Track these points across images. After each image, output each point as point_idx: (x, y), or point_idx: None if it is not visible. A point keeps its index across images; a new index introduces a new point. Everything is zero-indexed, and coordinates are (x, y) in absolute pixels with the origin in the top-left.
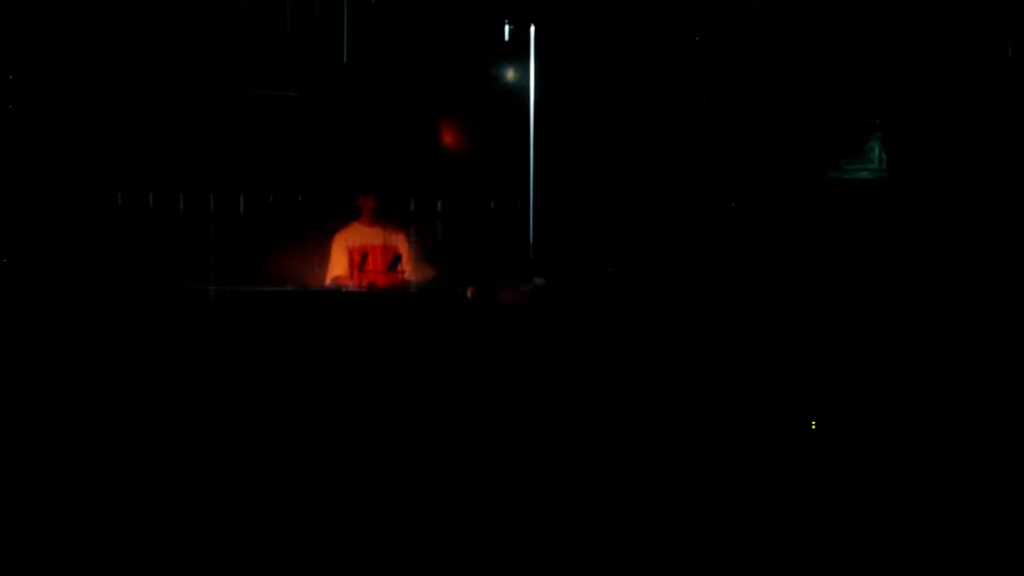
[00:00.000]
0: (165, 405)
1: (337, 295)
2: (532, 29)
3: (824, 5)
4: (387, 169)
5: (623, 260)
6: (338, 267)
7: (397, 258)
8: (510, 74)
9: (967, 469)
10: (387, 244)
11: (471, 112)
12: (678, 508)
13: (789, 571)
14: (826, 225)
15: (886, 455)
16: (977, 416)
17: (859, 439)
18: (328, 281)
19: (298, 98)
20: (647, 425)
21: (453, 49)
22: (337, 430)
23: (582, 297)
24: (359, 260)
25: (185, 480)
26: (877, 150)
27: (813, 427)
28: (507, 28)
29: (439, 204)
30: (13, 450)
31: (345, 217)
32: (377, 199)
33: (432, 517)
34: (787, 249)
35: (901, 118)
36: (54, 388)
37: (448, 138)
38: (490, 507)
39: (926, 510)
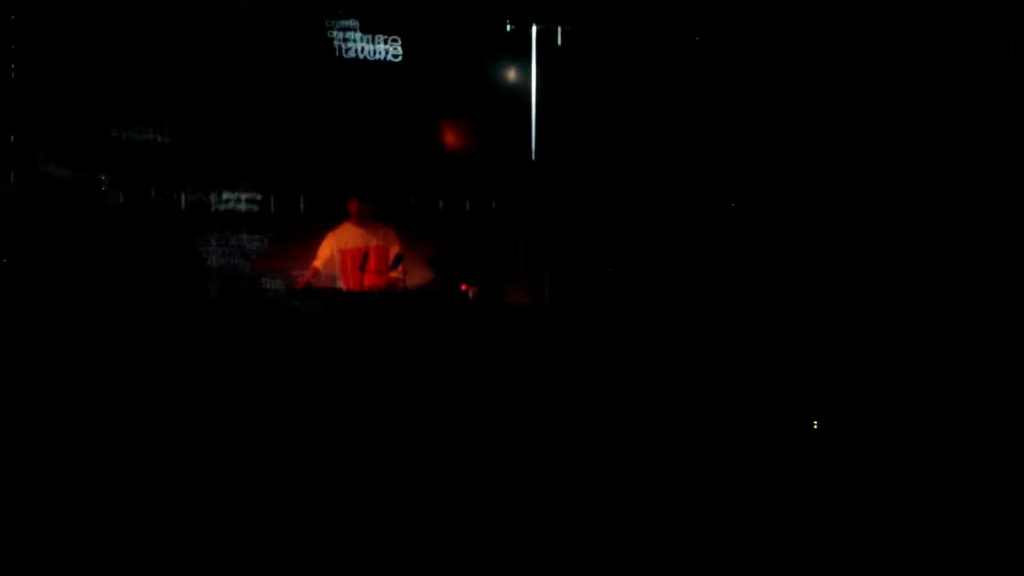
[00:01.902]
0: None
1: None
2: (533, 29)
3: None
4: (380, 169)
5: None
6: (319, 259)
7: (399, 258)
8: (510, 74)
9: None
10: (382, 244)
11: (468, 111)
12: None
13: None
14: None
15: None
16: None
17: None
18: (309, 270)
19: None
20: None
21: (451, 48)
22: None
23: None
24: (360, 261)
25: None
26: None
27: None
28: (508, 27)
29: (439, 203)
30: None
31: (336, 217)
32: (366, 202)
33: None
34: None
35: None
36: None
37: (445, 138)
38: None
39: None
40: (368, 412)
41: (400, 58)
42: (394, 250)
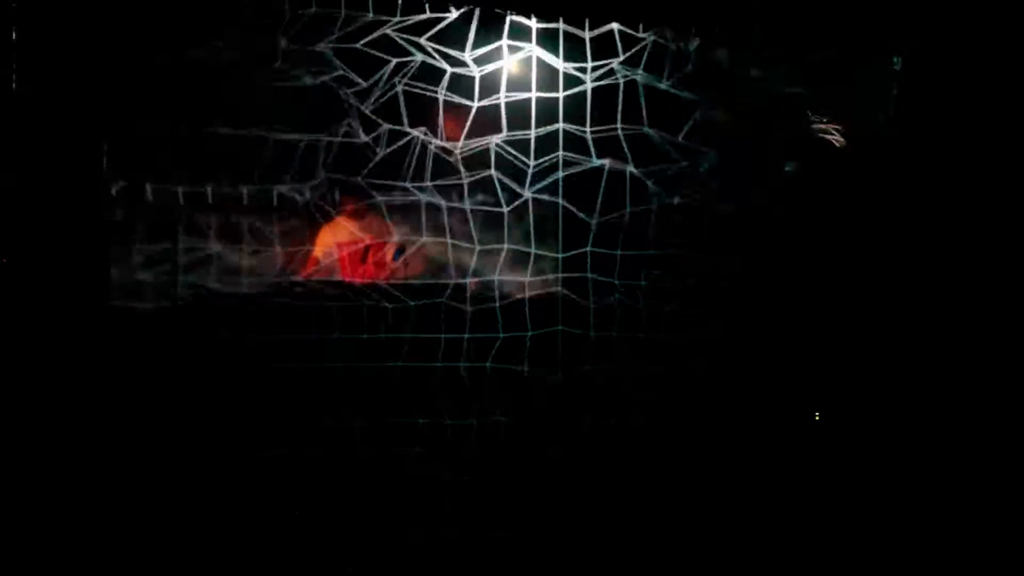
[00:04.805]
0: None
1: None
2: (533, 20)
3: None
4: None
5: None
6: (318, 249)
7: (400, 250)
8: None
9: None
10: (380, 238)
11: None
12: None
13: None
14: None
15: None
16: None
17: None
18: (310, 261)
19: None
20: None
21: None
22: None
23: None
24: (361, 254)
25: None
26: None
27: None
28: (507, 19)
29: (425, 197)
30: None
31: (329, 212)
32: (359, 197)
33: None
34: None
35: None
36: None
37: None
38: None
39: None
40: (376, 403)
41: None
42: (394, 243)
